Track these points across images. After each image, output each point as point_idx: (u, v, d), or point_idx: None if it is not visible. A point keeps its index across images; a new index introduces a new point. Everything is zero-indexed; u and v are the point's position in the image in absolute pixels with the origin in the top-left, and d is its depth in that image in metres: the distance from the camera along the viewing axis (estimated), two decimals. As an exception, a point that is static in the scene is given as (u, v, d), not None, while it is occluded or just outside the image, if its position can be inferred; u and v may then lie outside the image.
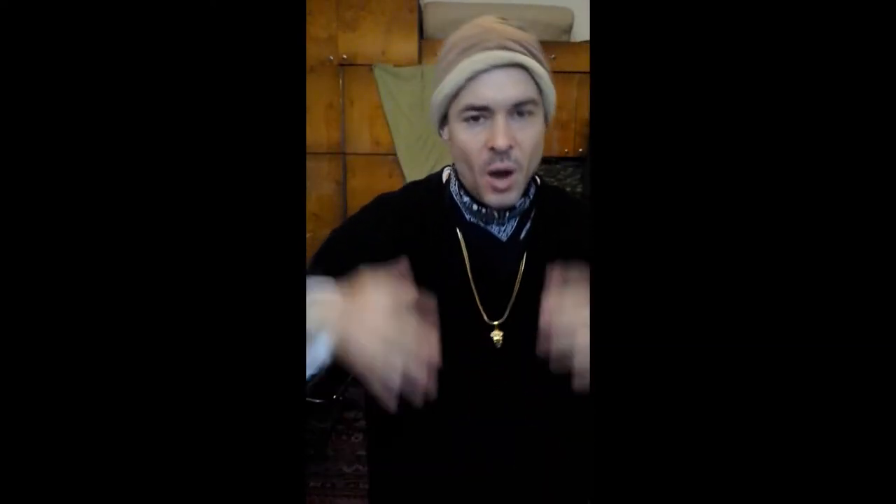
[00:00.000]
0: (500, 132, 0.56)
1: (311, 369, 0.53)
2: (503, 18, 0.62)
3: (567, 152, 2.33)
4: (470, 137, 0.58)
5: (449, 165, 0.73)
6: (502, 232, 0.66)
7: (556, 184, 2.37)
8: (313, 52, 2.24)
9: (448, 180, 0.71)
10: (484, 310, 0.65)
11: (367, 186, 2.34)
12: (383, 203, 0.74)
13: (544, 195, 0.70)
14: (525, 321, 0.63)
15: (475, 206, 0.64)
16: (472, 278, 0.66)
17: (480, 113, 0.57)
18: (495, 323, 0.65)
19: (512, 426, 0.66)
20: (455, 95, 0.58)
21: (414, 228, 0.68)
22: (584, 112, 2.25)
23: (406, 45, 2.24)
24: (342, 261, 0.63)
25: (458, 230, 0.67)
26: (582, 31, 2.33)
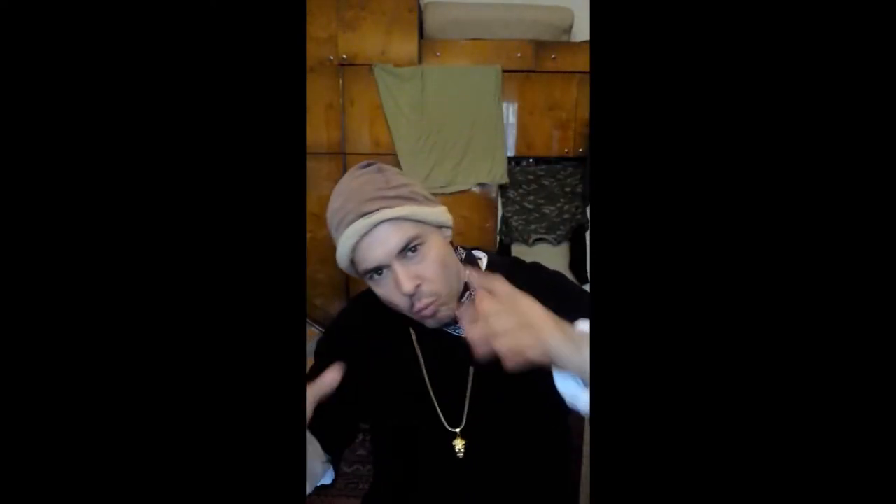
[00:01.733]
0: (402, 281, 0.59)
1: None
2: (363, 167, 0.66)
3: (567, 152, 2.32)
4: (385, 291, 0.63)
5: None
6: (458, 329, 0.67)
7: (556, 183, 2.37)
8: (313, 52, 2.23)
9: None
10: (443, 415, 0.66)
11: (367, 186, 2.33)
12: (353, 310, 0.78)
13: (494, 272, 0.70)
14: (485, 424, 0.65)
15: None
16: (429, 381, 0.67)
17: (379, 270, 0.62)
18: (456, 430, 0.66)
19: None
20: (353, 264, 0.64)
21: (372, 333, 0.72)
22: (584, 112, 2.25)
23: (406, 46, 2.24)
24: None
25: (411, 331, 0.70)
26: (582, 31, 2.33)
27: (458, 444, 0.66)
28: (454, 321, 0.67)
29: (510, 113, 2.29)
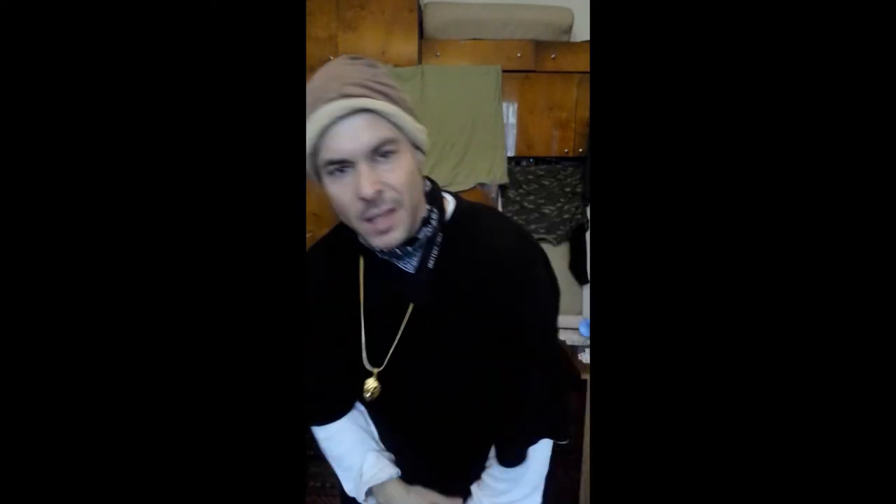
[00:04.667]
0: (365, 181, 0.54)
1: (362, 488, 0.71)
2: (354, 58, 0.60)
3: (567, 152, 2.32)
4: (340, 191, 0.57)
5: None
6: (408, 264, 0.63)
7: (556, 184, 2.37)
8: (313, 51, 2.23)
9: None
10: (368, 353, 0.64)
11: (367, 186, 2.33)
12: (312, 257, 0.73)
13: (458, 219, 0.67)
14: (408, 372, 0.62)
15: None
16: (364, 316, 0.64)
17: (342, 165, 0.56)
18: (374, 370, 0.64)
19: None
20: (315, 153, 0.56)
21: (329, 262, 0.69)
22: (584, 112, 2.25)
23: (406, 45, 2.24)
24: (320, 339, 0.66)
25: (360, 264, 0.66)
26: (582, 31, 2.33)
27: (370, 385, 0.65)
28: (405, 246, 0.61)
29: (510, 113, 2.29)
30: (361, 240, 0.64)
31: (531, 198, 2.40)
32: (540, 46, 2.23)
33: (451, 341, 0.62)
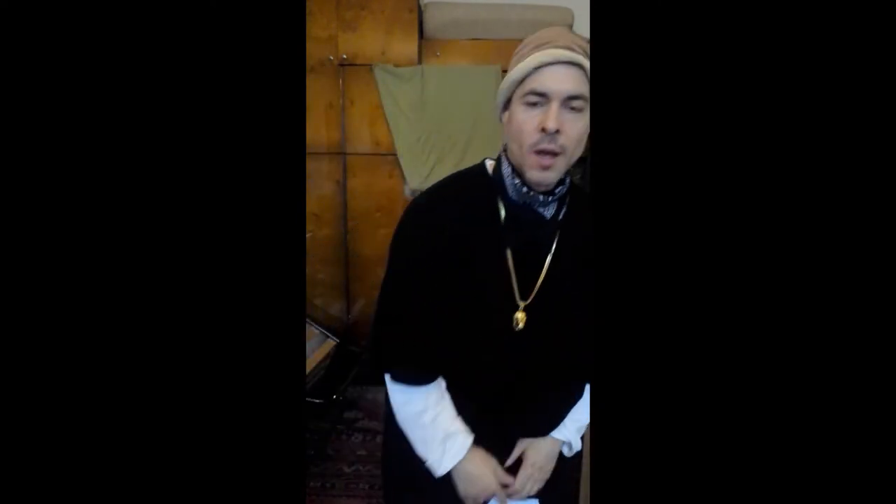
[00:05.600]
0: (553, 116, 0.65)
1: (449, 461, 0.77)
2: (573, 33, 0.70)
3: (567, 152, 2.33)
4: (527, 118, 0.67)
5: (488, 158, 0.81)
6: (546, 212, 0.74)
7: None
8: (313, 51, 2.23)
9: (498, 163, 0.77)
10: (518, 289, 0.74)
11: (367, 186, 2.34)
12: (419, 212, 0.79)
13: (576, 188, 0.80)
14: (550, 303, 0.73)
15: (523, 188, 0.71)
16: (512, 256, 0.74)
17: (539, 99, 0.66)
18: (523, 303, 0.74)
19: (523, 413, 0.78)
20: (521, 81, 0.68)
21: (458, 211, 0.76)
22: (584, 112, 2.25)
23: (406, 46, 2.24)
24: (417, 301, 0.74)
25: (500, 205, 0.75)
26: (582, 31, 2.33)
27: (520, 316, 0.73)
28: (546, 195, 0.72)
29: (510, 113, 2.29)
30: (507, 179, 0.73)
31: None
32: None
33: (579, 281, 0.73)
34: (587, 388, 0.81)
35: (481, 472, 0.77)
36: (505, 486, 0.79)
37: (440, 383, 0.78)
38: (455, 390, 0.78)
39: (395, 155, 2.29)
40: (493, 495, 0.78)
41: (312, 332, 2.05)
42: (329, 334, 2.05)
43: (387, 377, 0.79)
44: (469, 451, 0.77)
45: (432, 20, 2.27)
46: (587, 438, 1.38)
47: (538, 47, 0.67)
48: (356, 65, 2.26)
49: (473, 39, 2.25)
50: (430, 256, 0.73)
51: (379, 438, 1.89)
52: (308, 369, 1.76)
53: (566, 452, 0.85)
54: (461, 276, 0.73)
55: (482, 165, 0.80)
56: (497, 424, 0.78)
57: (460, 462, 0.76)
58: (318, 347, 1.98)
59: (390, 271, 0.79)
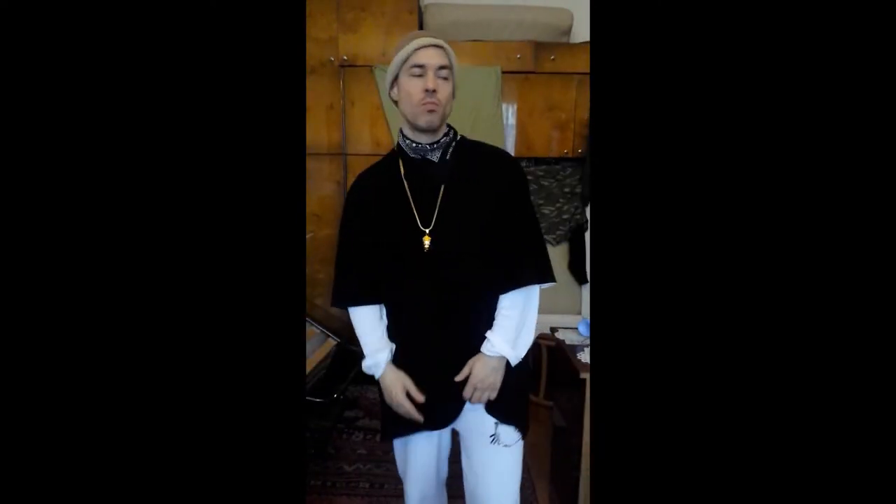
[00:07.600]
0: (430, 79, 0.94)
1: (371, 358, 1.03)
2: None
3: (566, 153, 2.33)
4: (413, 84, 0.96)
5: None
6: (433, 155, 1.01)
7: (555, 184, 2.38)
8: (314, 53, 2.24)
9: (398, 139, 1.04)
10: (420, 218, 0.99)
11: (367, 187, 2.33)
12: (351, 189, 1.08)
13: (463, 139, 1.06)
14: (448, 227, 0.97)
15: (413, 144, 1.00)
16: (411, 195, 1.00)
17: (420, 70, 0.95)
18: (426, 230, 0.97)
19: (438, 320, 0.98)
20: (405, 60, 0.96)
21: (375, 177, 1.06)
22: (584, 113, 2.25)
23: (406, 46, 2.24)
24: (359, 252, 1.03)
25: (400, 163, 1.03)
26: (581, 31, 2.33)
27: (426, 241, 0.97)
28: (432, 144, 1.00)
29: (510, 114, 2.29)
30: (402, 143, 1.02)
31: (531, 198, 2.40)
32: (539, 48, 2.23)
33: (471, 208, 0.98)
34: (501, 300, 1.00)
35: (391, 383, 1.01)
36: (419, 405, 0.99)
37: (379, 308, 1.05)
38: (391, 311, 1.03)
39: (395, 155, 2.29)
40: (402, 404, 0.98)
41: (312, 332, 2.05)
42: (329, 334, 2.05)
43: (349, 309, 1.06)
44: (385, 366, 1.02)
45: (432, 21, 2.28)
46: (587, 440, 1.38)
47: (413, 38, 0.96)
48: (356, 66, 2.27)
49: (473, 40, 2.26)
50: (357, 213, 1.03)
51: (379, 437, 1.89)
52: (308, 369, 1.76)
53: (513, 362, 1.00)
54: (380, 221, 1.01)
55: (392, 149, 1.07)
56: (426, 337, 1.00)
57: (380, 376, 1.02)
58: (318, 347, 1.98)
59: (339, 236, 1.09)
